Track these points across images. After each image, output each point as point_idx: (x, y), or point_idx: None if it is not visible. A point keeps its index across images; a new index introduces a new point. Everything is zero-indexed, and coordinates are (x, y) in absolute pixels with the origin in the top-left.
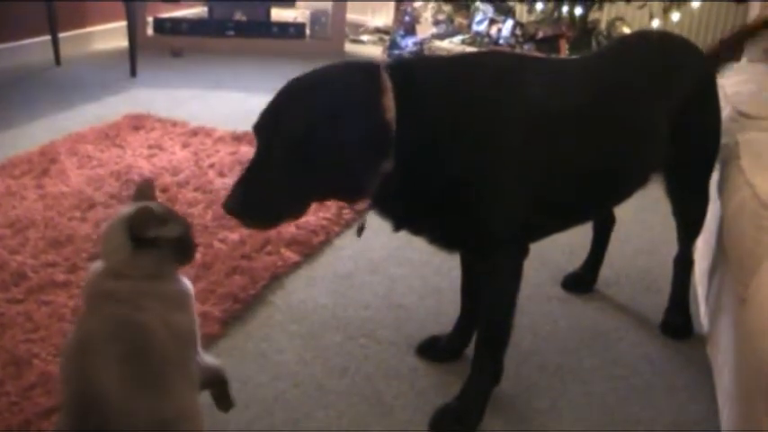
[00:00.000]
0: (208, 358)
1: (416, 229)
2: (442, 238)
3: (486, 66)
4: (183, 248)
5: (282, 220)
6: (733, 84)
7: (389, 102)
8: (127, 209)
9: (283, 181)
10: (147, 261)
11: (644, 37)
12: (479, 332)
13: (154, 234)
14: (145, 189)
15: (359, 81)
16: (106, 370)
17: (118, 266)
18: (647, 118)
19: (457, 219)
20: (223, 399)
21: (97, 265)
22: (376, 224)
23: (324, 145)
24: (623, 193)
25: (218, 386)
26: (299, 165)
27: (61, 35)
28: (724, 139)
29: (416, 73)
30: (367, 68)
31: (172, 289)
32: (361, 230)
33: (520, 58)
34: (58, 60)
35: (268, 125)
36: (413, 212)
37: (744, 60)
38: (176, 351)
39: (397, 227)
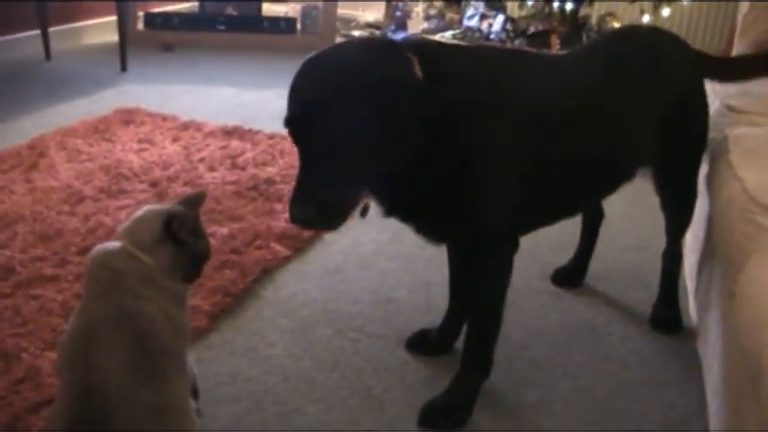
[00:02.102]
0: (190, 363)
1: (407, 217)
2: (434, 227)
3: (494, 58)
4: (194, 268)
5: (349, 214)
6: None
7: (419, 73)
8: (175, 205)
9: (347, 170)
10: (165, 256)
11: (633, 32)
12: (469, 327)
13: (186, 239)
14: (195, 199)
15: (392, 54)
16: (110, 357)
17: (138, 246)
18: (635, 112)
19: (454, 209)
20: None
21: (108, 244)
22: (366, 219)
23: (384, 120)
24: (611, 187)
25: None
26: (363, 147)
27: (51, 30)
28: (713, 134)
29: (435, 52)
30: (390, 43)
31: (173, 284)
32: (365, 211)
33: (514, 53)
34: (48, 55)
35: (314, 117)
36: (409, 197)
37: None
38: (174, 343)
39: (389, 212)
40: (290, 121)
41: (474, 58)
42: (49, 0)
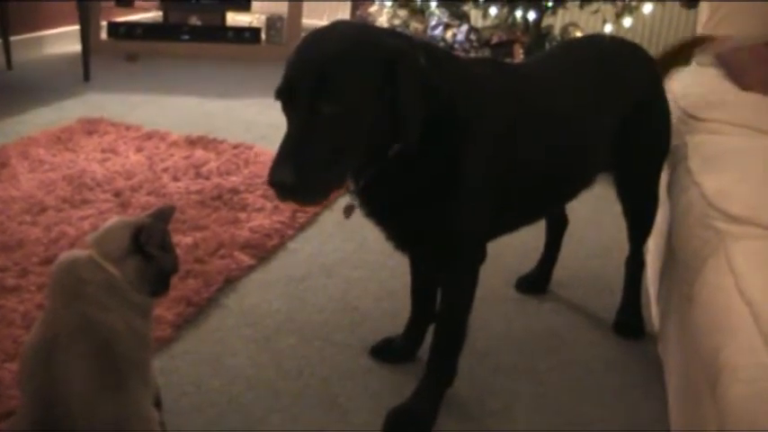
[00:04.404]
0: (153, 373)
1: (386, 219)
2: (411, 232)
3: (483, 68)
4: (161, 282)
5: (333, 189)
6: (683, 87)
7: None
8: (144, 218)
9: (344, 141)
10: (132, 268)
11: (594, 41)
12: (434, 335)
13: (153, 252)
14: (165, 212)
15: (397, 34)
16: (73, 367)
17: (105, 257)
18: (596, 120)
19: (434, 212)
20: None
21: (75, 252)
22: (330, 228)
23: (387, 96)
24: (572, 193)
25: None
26: (366, 118)
27: (13, 39)
28: (673, 141)
29: (435, 51)
30: (392, 29)
31: (139, 296)
32: (350, 212)
33: (493, 64)
34: (9, 64)
35: (315, 84)
36: (392, 198)
37: (694, 64)
38: (137, 354)
39: (371, 213)
40: (288, 85)
41: (465, 67)
42: (11, 1)
